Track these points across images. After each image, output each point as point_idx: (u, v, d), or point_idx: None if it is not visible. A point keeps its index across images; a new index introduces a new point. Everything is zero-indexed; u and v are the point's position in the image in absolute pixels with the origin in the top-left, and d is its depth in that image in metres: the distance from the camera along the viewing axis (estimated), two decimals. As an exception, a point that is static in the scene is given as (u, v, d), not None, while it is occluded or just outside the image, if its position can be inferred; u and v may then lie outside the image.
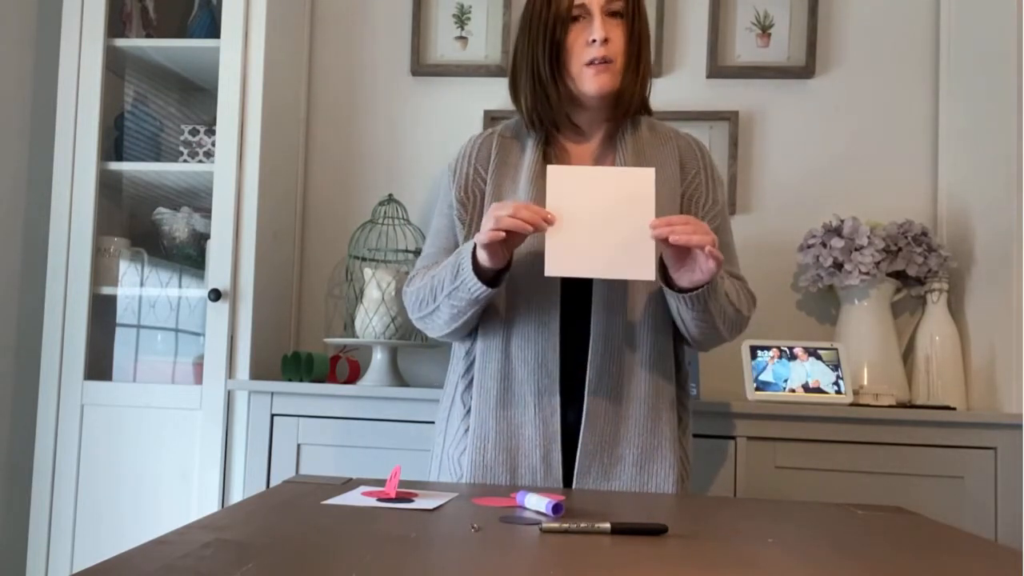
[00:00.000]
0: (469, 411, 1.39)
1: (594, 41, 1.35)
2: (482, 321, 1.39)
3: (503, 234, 1.21)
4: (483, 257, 1.25)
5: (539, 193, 1.35)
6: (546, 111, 1.40)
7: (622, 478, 1.35)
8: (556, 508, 1.02)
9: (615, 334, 1.34)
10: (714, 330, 1.35)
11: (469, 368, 1.41)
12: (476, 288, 1.28)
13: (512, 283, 1.36)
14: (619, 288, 1.34)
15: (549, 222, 1.22)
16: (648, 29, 1.44)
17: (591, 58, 1.36)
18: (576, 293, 1.35)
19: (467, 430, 1.39)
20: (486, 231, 1.22)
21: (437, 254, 1.46)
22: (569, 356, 1.34)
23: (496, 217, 1.21)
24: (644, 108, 1.47)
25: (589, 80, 1.36)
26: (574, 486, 1.33)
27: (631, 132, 1.43)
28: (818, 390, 1.92)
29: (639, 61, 1.40)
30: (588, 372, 1.33)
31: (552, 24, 1.36)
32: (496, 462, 1.35)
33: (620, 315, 1.35)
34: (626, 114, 1.42)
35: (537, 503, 1.05)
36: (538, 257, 1.32)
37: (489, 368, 1.37)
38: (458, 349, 1.47)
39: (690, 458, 1.46)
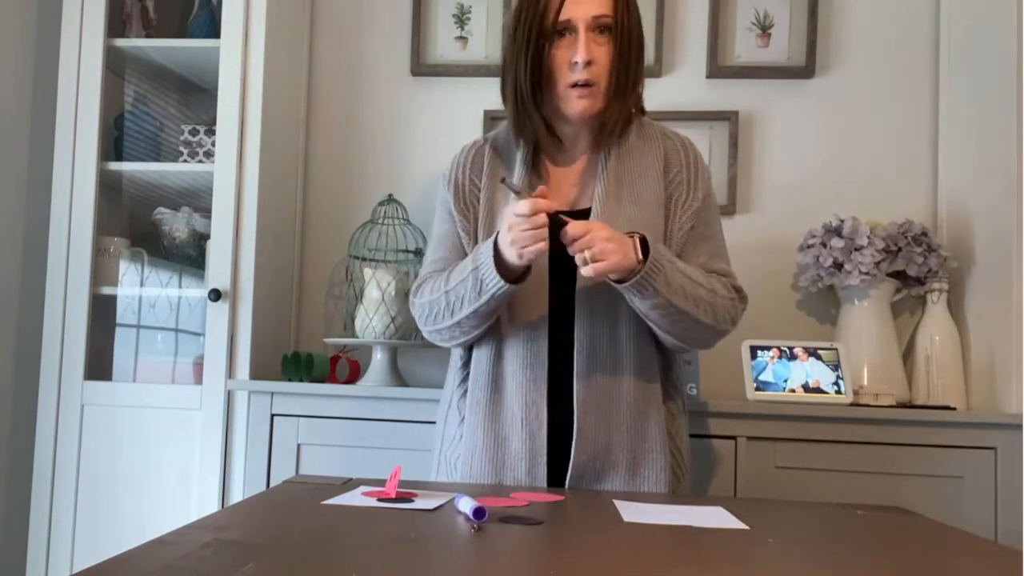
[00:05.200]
0: (464, 419, 1.40)
1: (577, 63, 1.30)
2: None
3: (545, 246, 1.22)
4: (515, 259, 1.24)
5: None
6: (527, 128, 1.37)
7: (614, 482, 1.35)
8: (478, 513, 0.98)
9: (599, 344, 1.34)
10: (686, 318, 1.29)
11: (465, 379, 1.42)
12: (502, 287, 1.26)
13: None
14: (602, 297, 1.33)
15: (543, 207, 1.21)
16: (641, 38, 1.37)
17: (574, 81, 1.31)
18: (563, 304, 1.34)
19: (461, 437, 1.40)
20: (533, 249, 1.21)
21: (446, 259, 1.44)
22: (559, 364, 1.34)
23: (527, 235, 1.21)
24: (637, 110, 1.43)
25: (572, 103, 1.33)
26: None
27: (616, 146, 1.40)
28: (818, 390, 1.92)
29: (627, 80, 1.35)
30: (575, 386, 1.33)
31: (536, 39, 1.30)
32: (483, 472, 1.35)
33: (603, 324, 1.34)
34: (611, 135, 1.38)
35: (465, 505, 1.01)
36: (530, 270, 1.32)
37: (480, 380, 1.37)
38: (455, 357, 1.47)
39: (686, 458, 1.45)
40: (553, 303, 1.35)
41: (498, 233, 1.26)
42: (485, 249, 1.28)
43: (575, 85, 1.31)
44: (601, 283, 1.32)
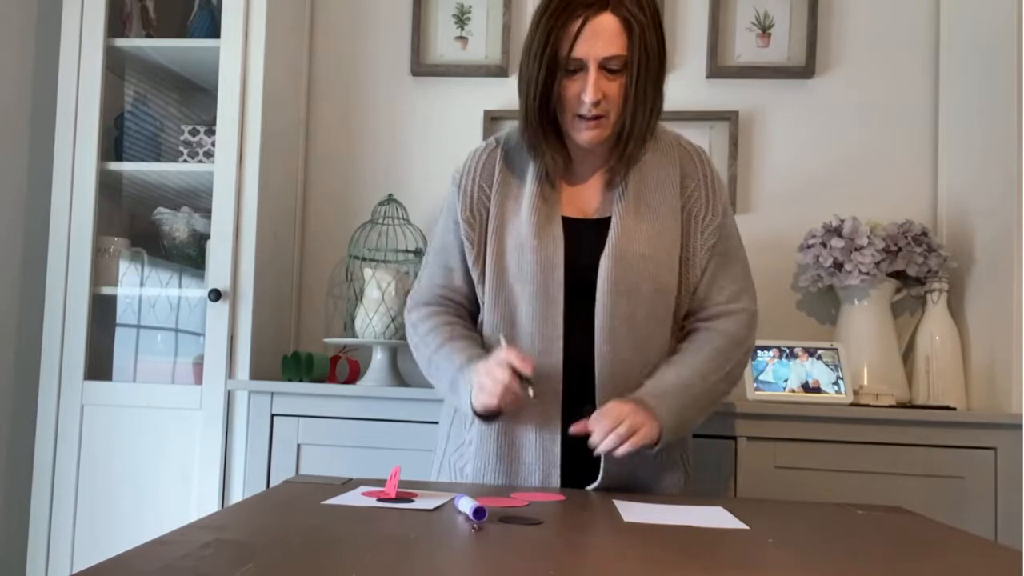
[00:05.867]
0: (474, 424, 1.36)
1: (584, 101, 1.27)
2: (486, 341, 1.38)
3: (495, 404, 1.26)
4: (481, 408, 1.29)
5: (539, 221, 1.33)
6: (539, 148, 1.35)
7: (632, 489, 1.34)
8: (478, 513, 0.98)
9: (621, 354, 1.32)
10: (713, 406, 1.38)
11: None
12: (471, 416, 1.33)
13: (516, 303, 1.34)
14: (621, 306, 1.32)
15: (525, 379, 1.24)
16: (662, 65, 1.32)
17: (581, 114, 1.29)
18: (578, 313, 1.33)
19: (469, 443, 1.38)
20: (483, 399, 1.26)
21: (443, 273, 1.43)
22: (572, 373, 1.33)
23: (489, 393, 1.25)
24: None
25: (580, 132, 1.31)
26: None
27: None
28: (818, 390, 1.92)
29: (645, 113, 1.31)
30: (598, 397, 1.31)
31: (547, 72, 1.28)
32: (495, 482, 1.34)
33: (623, 333, 1.32)
34: (622, 158, 1.35)
35: (465, 505, 1.02)
36: (545, 277, 1.31)
37: None
38: None
39: (691, 460, 1.46)
40: (568, 312, 1.33)
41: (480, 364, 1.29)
42: (465, 379, 1.31)
43: (582, 117, 1.30)
44: (619, 294, 1.31)
